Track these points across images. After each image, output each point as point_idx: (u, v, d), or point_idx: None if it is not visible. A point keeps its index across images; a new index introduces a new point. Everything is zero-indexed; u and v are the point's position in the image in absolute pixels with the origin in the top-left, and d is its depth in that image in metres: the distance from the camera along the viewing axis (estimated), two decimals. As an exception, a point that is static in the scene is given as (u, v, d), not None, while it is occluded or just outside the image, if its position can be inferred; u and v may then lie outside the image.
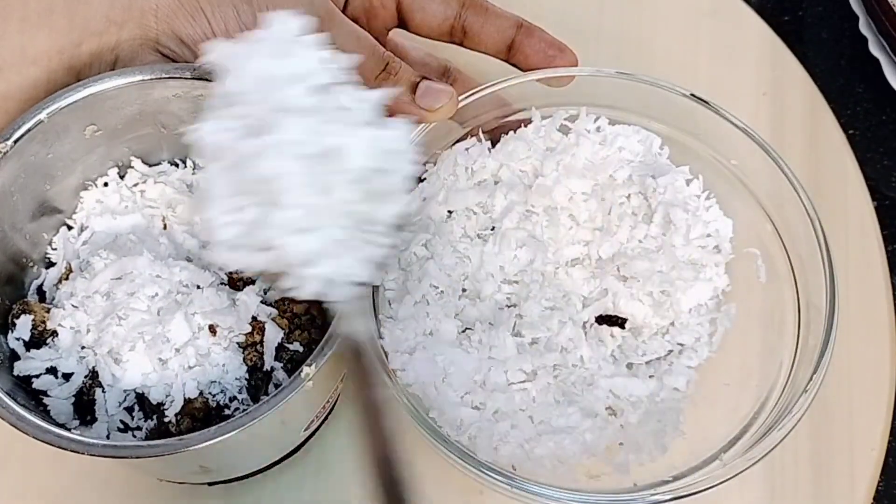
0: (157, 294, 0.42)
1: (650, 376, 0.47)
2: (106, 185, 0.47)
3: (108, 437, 0.41)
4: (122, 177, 0.47)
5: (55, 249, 0.46)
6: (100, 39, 0.45)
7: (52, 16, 0.44)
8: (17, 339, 0.42)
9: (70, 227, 0.46)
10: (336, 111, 0.38)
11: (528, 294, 0.48)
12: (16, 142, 0.42)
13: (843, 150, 0.58)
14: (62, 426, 0.40)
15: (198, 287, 0.43)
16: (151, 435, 0.41)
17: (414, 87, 0.46)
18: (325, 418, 0.48)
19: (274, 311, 0.44)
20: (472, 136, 0.52)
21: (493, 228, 0.49)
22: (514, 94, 0.52)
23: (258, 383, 0.42)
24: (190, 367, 0.41)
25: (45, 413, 0.41)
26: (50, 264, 0.46)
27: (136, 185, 0.47)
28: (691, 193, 0.50)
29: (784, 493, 0.49)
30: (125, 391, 0.41)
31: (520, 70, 0.51)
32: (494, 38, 0.51)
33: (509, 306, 0.48)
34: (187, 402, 0.41)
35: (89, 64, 0.45)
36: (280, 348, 0.43)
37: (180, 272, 0.43)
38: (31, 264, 0.45)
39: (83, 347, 0.42)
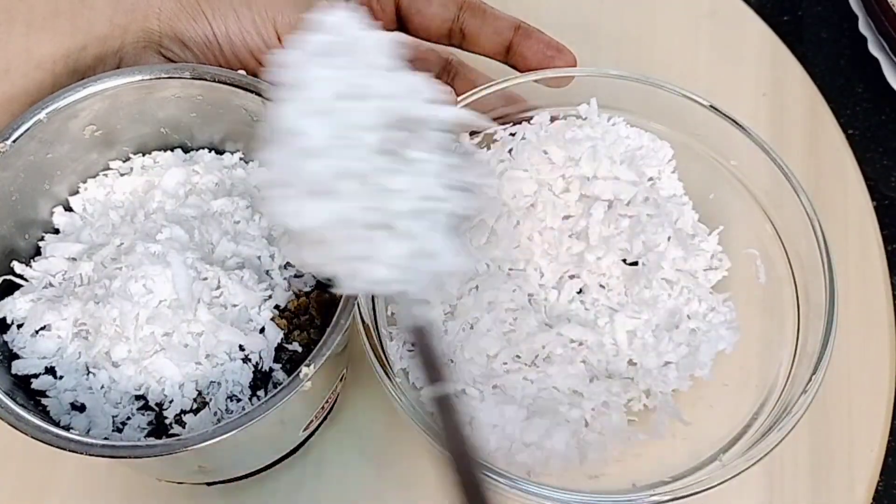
0: (155, 294, 0.42)
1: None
2: (105, 183, 0.47)
3: (106, 437, 0.41)
4: (122, 175, 0.47)
5: (52, 254, 0.46)
6: (104, 43, 0.45)
7: (56, 20, 0.44)
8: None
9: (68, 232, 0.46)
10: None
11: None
12: (15, 141, 0.42)
13: (842, 150, 0.58)
14: (61, 426, 0.40)
15: (204, 279, 0.42)
16: (150, 435, 0.41)
17: None
18: (325, 418, 0.48)
19: (273, 312, 0.43)
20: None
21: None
22: (502, 100, 0.52)
23: (257, 383, 0.42)
24: (190, 368, 0.41)
25: (44, 413, 0.41)
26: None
27: (133, 181, 0.47)
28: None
29: (783, 493, 0.49)
30: (123, 392, 0.41)
31: (518, 71, 0.52)
32: (492, 40, 0.51)
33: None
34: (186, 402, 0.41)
35: (93, 67, 0.46)
36: (279, 348, 0.43)
37: (180, 272, 0.43)
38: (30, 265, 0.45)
39: (80, 347, 0.42)
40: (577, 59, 0.51)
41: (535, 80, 0.51)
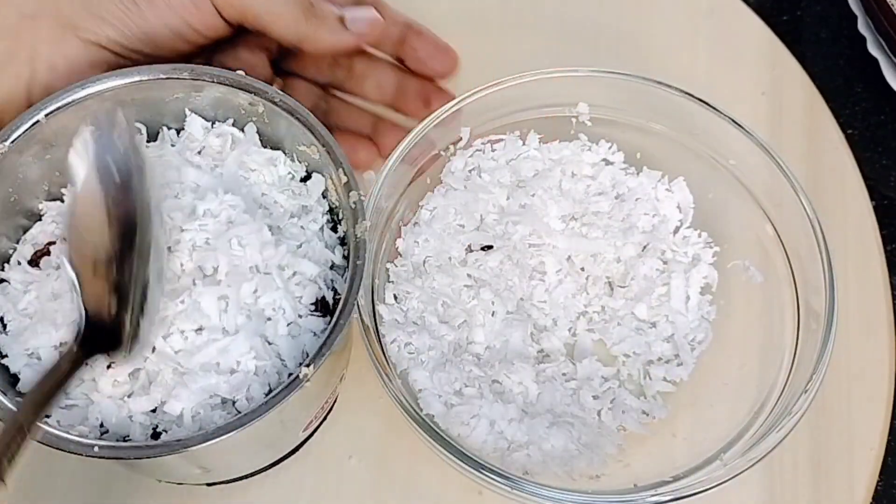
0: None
1: None
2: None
3: (106, 438, 0.41)
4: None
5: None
6: (16, 36, 0.44)
7: None
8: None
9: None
10: None
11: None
12: (13, 142, 0.42)
13: (841, 150, 0.58)
14: (60, 427, 0.39)
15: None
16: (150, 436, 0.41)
17: (342, 22, 0.47)
18: (324, 419, 0.48)
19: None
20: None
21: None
22: (501, 100, 0.52)
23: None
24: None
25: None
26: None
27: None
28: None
29: (783, 493, 0.49)
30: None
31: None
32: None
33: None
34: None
35: (4, 63, 0.44)
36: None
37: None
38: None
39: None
40: (576, 59, 0.51)
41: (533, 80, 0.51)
